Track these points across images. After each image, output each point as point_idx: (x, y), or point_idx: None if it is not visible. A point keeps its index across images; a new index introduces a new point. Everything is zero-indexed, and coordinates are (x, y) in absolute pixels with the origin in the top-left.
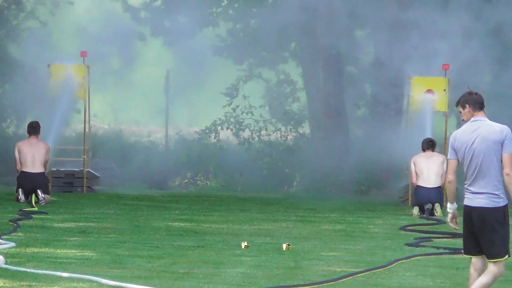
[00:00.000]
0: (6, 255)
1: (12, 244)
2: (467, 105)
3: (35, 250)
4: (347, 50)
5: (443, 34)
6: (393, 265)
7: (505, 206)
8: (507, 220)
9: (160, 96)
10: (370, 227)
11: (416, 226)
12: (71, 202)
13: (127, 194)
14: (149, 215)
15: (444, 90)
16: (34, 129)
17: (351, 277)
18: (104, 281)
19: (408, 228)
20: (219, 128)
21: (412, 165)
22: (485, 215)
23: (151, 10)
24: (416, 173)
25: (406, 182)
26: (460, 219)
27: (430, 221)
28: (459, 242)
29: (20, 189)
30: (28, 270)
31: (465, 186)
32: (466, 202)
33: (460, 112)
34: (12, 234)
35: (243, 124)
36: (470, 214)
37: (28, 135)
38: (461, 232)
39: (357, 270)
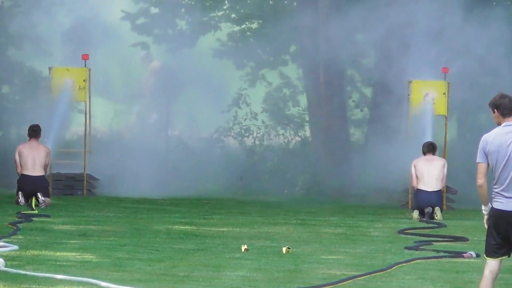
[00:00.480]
0: (6, 257)
1: (15, 247)
2: (496, 110)
3: (35, 253)
4: (348, 53)
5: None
6: (393, 268)
7: None
8: None
9: (160, 99)
10: (370, 231)
11: (416, 230)
12: (71, 205)
13: (128, 197)
14: (149, 218)
15: (444, 93)
16: (34, 132)
17: (351, 280)
18: (104, 284)
19: (407, 231)
20: (222, 136)
21: (413, 169)
22: None
23: (150, 16)
24: (417, 177)
25: (406, 185)
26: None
27: (430, 225)
28: (459, 246)
29: (20, 192)
30: (28, 273)
31: (496, 190)
32: (498, 206)
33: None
34: (12, 237)
35: (247, 131)
36: (503, 218)
37: (28, 138)
38: (462, 236)
39: (357, 274)
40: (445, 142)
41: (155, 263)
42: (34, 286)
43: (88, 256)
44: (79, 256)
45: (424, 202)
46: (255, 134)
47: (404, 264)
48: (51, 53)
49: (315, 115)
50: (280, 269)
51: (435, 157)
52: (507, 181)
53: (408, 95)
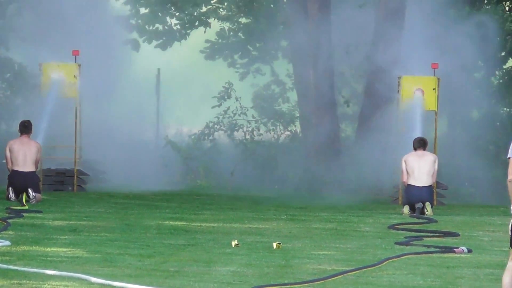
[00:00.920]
0: None
1: (7, 242)
2: None
3: (26, 248)
4: (338, 49)
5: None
6: (383, 263)
7: None
8: None
9: (151, 95)
10: (360, 226)
11: (406, 225)
12: (62, 200)
13: (118, 192)
14: (140, 214)
15: (434, 89)
16: (26, 128)
17: (342, 275)
18: (94, 279)
19: (397, 227)
20: (212, 130)
21: (403, 164)
22: None
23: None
24: (407, 172)
25: (397, 181)
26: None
27: (421, 220)
28: (449, 241)
29: (10, 188)
30: (19, 268)
31: None
32: None
33: None
34: (3, 232)
35: (236, 126)
36: None
37: (19, 134)
38: (453, 231)
39: (347, 269)
40: (435, 137)
41: (145, 258)
42: (24, 281)
43: (78, 252)
44: (69, 252)
45: (414, 197)
46: (245, 129)
47: (394, 260)
48: (41, 49)
49: (305, 111)
50: (271, 265)
51: (426, 152)
52: None
53: (398, 90)
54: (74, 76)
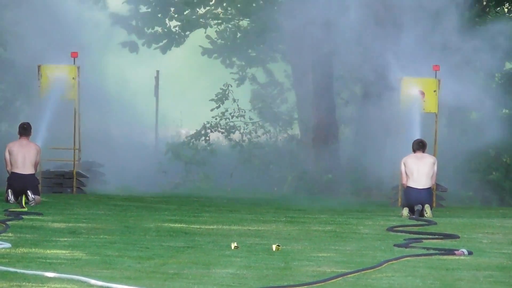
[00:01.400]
0: None
1: (8, 244)
2: None
3: (25, 250)
4: (337, 51)
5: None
6: (382, 266)
7: None
8: None
9: (150, 97)
10: (359, 228)
11: (406, 227)
12: (61, 202)
13: (117, 194)
14: (139, 216)
15: (434, 91)
16: (25, 130)
17: (341, 277)
18: (93, 281)
19: (397, 229)
20: (209, 131)
21: (402, 166)
22: None
23: (139, 16)
24: (406, 174)
25: (396, 183)
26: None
27: (420, 222)
28: (449, 243)
29: (9, 190)
30: (18, 270)
31: None
32: None
33: None
34: (2, 234)
35: (233, 127)
36: None
37: (19, 136)
38: (452, 233)
39: (347, 271)
40: (435, 139)
41: (144, 260)
42: (24, 283)
43: (78, 254)
44: (69, 254)
45: (414, 199)
46: (242, 130)
47: (394, 262)
48: (41, 51)
49: (304, 113)
50: (270, 267)
51: (425, 154)
52: None
53: (399, 92)
54: (73, 78)
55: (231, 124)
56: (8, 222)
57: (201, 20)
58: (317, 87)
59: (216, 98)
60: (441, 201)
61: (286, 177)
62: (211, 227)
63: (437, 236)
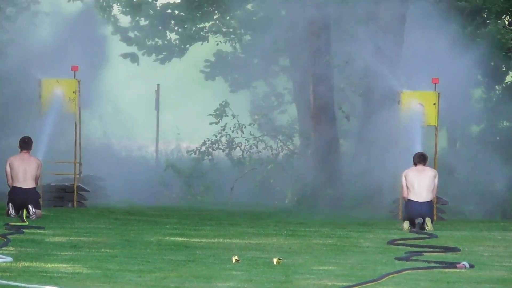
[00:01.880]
0: None
1: (10, 259)
2: None
3: (26, 264)
4: (337, 64)
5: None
6: (384, 279)
7: None
8: None
9: (150, 110)
10: (360, 241)
11: (407, 240)
12: (62, 216)
13: (118, 208)
14: (140, 230)
15: (434, 104)
16: (26, 144)
17: None
18: None
19: (397, 242)
20: (210, 149)
21: (403, 179)
22: None
23: (140, 28)
24: (407, 187)
25: (396, 196)
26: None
27: (421, 235)
28: (450, 256)
29: (10, 204)
30: (19, 284)
31: None
32: None
33: None
34: (3, 248)
35: (234, 144)
36: None
37: (20, 150)
38: (453, 246)
39: (348, 284)
40: (436, 152)
41: (146, 274)
42: None
43: (79, 268)
44: (70, 268)
45: (414, 212)
46: (243, 147)
47: (395, 275)
48: (41, 65)
49: (305, 126)
50: (271, 280)
51: (426, 167)
52: None
53: (399, 105)
54: (74, 92)
55: (232, 140)
56: (9, 236)
57: (201, 33)
58: (317, 99)
59: (215, 113)
60: (442, 214)
61: (287, 191)
62: (212, 240)
63: (438, 249)
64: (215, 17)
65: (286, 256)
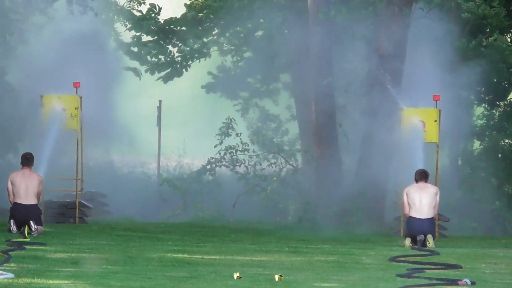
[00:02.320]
0: (0, 286)
1: (11, 275)
2: None
3: (28, 280)
4: (339, 81)
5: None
6: None
7: None
8: None
9: (152, 127)
10: (362, 258)
11: (408, 257)
12: (63, 232)
13: (120, 224)
14: (142, 246)
15: (435, 121)
16: (27, 160)
17: None
18: None
19: (399, 259)
20: (214, 166)
21: (405, 196)
22: None
23: (142, 44)
24: (409, 204)
25: (398, 213)
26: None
27: (423, 252)
28: (451, 273)
29: (12, 220)
30: None
31: None
32: None
33: None
34: (5, 265)
35: (237, 161)
36: None
37: (21, 166)
38: (455, 263)
39: None
40: (437, 169)
41: None
42: None
43: (80, 284)
44: (71, 284)
45: (416, 229)
46: (247, 163)
47: None
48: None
49: (307, 143)
50: None
51: (428, 184)
52: None
53: (400, 122)
54: (76, 108)
55: (235, 158)
56: (10, 252)
57: (203, 50)
58: (319, 116)
59: (220, 132)
60: (444, 231)
61: (289, 207)
62: (214, 257)
63: (439, 266)
64: (214, 32)
65: (288, 273)
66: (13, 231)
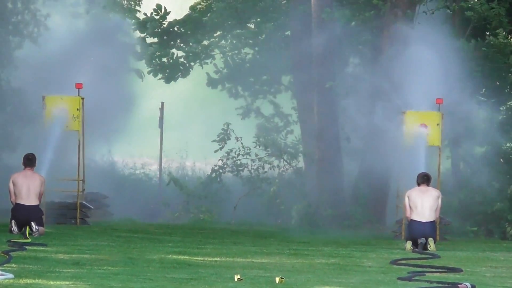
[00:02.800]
0: (0, 286)
1: (11, 275)
2: None
3: (28, 281)
4: (341, 83)
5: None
6: None
7: None
8: None
9: (154, 128)
10: (363, 261)
11: (409, 260)
12: (64, 233)
13: (121, 226)
14: (143, 247)
15: (438, 124)
16: (30, 161)
17: None
18: None
19: (399, 262)
20: (219, 173)
21: (407, 199)
22: None
23: (146, 45)
24: (410, 207)
25: (399, 216)
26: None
27: (424, 255)
28: (452, 277)
29: (13, 221)
30: None
31: None
32: None
33: None
34: (5, 265)
35: (240, 166)
36: None
37: (23, 167)
38: (455, 267)
39: None
40: (439, 173)
41: None
42: None
43: (81, 285)
44: (72, 285)
45: (417, 232)
46: (250, 167)
47: None
48: (45, 82)
49: (309, 146)
50: None
51: (430, 188)
52: None
53: (401, 125)
54: (77, 109)
55: (238, 162)
56: (11, 253)
57: (207, 51)
58: (321, 120)
59: (218, 138)
60: (445, 235)
61: (290, 210)
62: (215, 259)
63: (440, 270)
64: (215, 35)
65: (288, 275)
66: (14, 232)
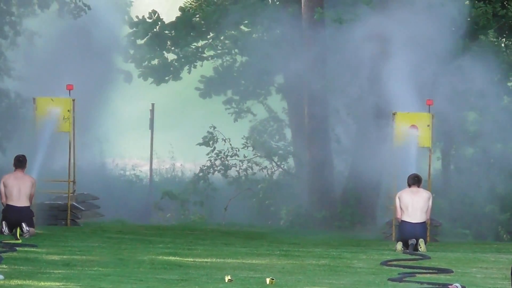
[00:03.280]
0: None
1: (1, 276)
2: None
3: (19, 282)
4: (332, 85)
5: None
6: None
7: None
8: None
9: (144, 130)
10: (354, 262)
11: (400, 261)
12: (55, 235)
13: (111, 227)
14: (133, 248)
15: (428, 125)
16: (20, 162)
17: None
18: None
19: (390, 263)
20: (207, 172)
21: (397, 200)
22: None
23: (136, 47)
24: (401, 208)
25: (390, 217)
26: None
27: (414, 256)
28: (442, 278)
29: (3, 222)
30: None
31: None
32: None
33: None
34: None
35: (229, 166)
36: None
37: (14, 168)
38: (446, 268)
39: None
40: (429, 174)
41: None
42: None
43: (72, 286)
44: (63, 286)
45: (408, 233)
46: (238, 168)
47: None
48: (35, 83)
49: (299, 147)
50: None
51: (420, 189)
52: None
53: (392, 126)
54: (68, 111)
55: (226, 163)
56: (2, 254)
57: (198, 54)
58: (311, 120)
59: (202, 141)
60: (435, 236)
61: (280, 211)
62: (205, 260)
63: (431, 271)
64: (208, 36)
65: (279, 276)
66: (4, 233)
